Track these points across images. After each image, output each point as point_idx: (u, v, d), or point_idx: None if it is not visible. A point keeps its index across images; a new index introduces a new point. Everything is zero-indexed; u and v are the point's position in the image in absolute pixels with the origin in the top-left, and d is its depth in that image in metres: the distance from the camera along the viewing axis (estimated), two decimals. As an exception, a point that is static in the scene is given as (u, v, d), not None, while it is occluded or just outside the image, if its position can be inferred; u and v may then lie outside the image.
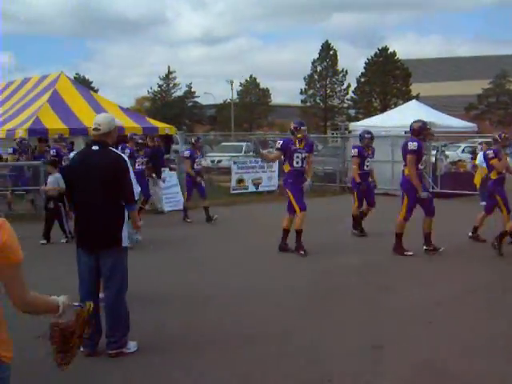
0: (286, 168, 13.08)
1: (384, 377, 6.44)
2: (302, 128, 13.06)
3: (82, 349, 6.76)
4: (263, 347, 7.35)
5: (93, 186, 6.79)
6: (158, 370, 6.63)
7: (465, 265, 11.86)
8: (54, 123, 22.86)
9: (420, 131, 12.72)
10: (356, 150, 15.44)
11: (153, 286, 10.28)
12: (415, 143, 12.45)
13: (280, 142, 13.07)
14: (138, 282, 9.74)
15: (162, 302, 9.39)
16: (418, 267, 11.76)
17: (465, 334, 7.75)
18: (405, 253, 12.69)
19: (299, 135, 12.90)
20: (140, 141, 17.13)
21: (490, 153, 13.71)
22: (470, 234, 14.34)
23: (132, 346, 7.02)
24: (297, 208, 12.80)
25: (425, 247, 12.92)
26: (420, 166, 12.72)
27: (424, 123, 12.96)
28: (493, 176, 13.68)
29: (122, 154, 6.94)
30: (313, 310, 8.99)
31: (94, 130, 6.94)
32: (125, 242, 6.91)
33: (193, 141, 18.72)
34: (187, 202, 18.09)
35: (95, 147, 6.86)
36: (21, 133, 22.13)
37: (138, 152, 16.94)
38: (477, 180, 21.67)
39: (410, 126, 12.95)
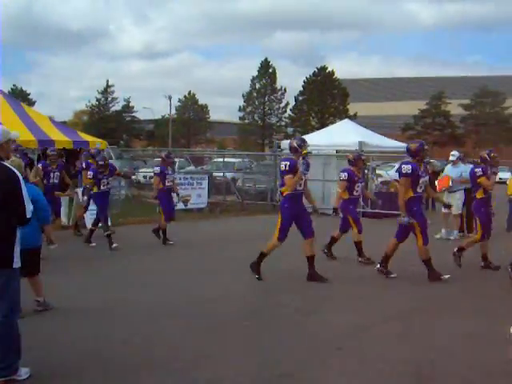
0: (285, 191, 11.92)
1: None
2: (307, 144, 12.04)
3: (-32, 375, 6.45)
4: (164, 374, 7.01)
5: None
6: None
7: (390, 289, 11.57)
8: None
9: (417, 152, 12.09)
10: (346, 173, 14.39)
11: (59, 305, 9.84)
12: (409, 166, 11.84)
13: (287, 164, 11.70)
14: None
15: (65, 320, 8.99)
16: (340, 291, 11.44)
17: (374, 362, 7.49)
18: (441, 277, 12.08)
19: (305, 151, 11.77)
20: (101, 162, 16.20)
21: (479, 171, 13.31)
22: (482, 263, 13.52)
23: (23, 372, 6.57)
24: (276, 235, 11.92)
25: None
26: (419, 190, 12.03)
27: (421, 144, 12.32)
28: (478, 195, 13.34)
29: (14, 169, 6.49)
30: (221, 334, 8.66)
31: None
32: (17, 263, 6.51)
33: (163, 156, 17.43)
34: (165, 222, 16.67)
35: None
36: None
37: (103, 173, 16.11)
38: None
39: (407, 147, 12.37)
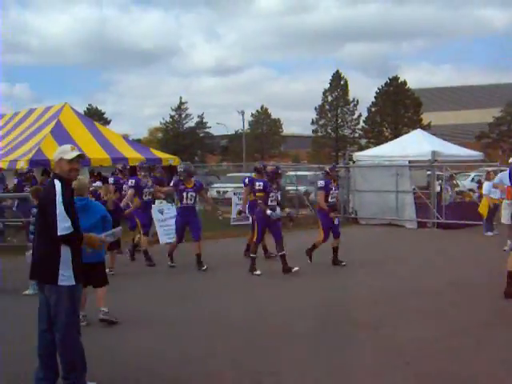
0: None
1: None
2: None
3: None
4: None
5: (37, 216, 6.75)
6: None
7: (457, 302, 11.26)
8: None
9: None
10: None
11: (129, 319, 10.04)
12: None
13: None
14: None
15: (134, 334, 9.10)
16: (406, 304, 11.24)
17: (442, 377, 7.35)
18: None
19: None
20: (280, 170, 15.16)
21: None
22: None
23: (91, 386, 6.68)
24: None
25: None
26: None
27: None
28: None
29: (57, 185, 6.49)
30: (286, 348, 8.59)
31: None
32: (66, 281, 6.49)
33: (327, 169, 15.75)
34: (324, 241, 15.16)
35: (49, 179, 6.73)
36: (22, 164, 22.02)
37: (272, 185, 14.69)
38: (482, 210, 21.39)
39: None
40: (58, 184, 6.52)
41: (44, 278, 6.54)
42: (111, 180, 17.14)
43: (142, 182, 15.87)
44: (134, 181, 15.75)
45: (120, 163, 22.77)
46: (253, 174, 16.48)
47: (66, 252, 6.52)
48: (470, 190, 29.87)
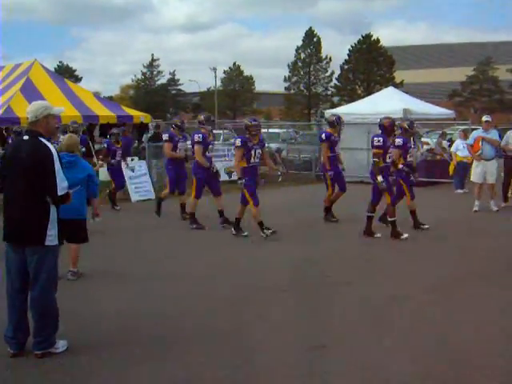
0: None
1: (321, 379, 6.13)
2: None
3: (8, 349, 6.53)
4: (199, 348, 6.97)
5: (16, 177, 6.49)
6: (84, 371, 6.28)
7: (430, 260, 11.36)
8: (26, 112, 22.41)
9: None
10: None
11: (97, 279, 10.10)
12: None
13: None
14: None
15: (105, 295, 9.14)
16: (380, 263, 11.32)
17: (411, 336, 7.37)
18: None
19: None
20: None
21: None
22: None
23: (61, 345, 6.67)
24: None
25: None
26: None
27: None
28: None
29: (48, 145, 6.47)
30: (258, 304, 8.66)
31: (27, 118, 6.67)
32: (52, 241, 6.52)
33: (406, 125, 14.02)
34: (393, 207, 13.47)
35: (25, 137, 6.57)
36: (-9, 122, 21.82)
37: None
38: (451, 168, 21.63)
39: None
40: (48, 143, 6.53)
41: (30, 239, 6.48)
42: (165, 136, 15.87)
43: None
44: (201, 135, 14.40)
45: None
46: (326, 128, 16.15)
47: (53, 212, 6.55)
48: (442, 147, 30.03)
